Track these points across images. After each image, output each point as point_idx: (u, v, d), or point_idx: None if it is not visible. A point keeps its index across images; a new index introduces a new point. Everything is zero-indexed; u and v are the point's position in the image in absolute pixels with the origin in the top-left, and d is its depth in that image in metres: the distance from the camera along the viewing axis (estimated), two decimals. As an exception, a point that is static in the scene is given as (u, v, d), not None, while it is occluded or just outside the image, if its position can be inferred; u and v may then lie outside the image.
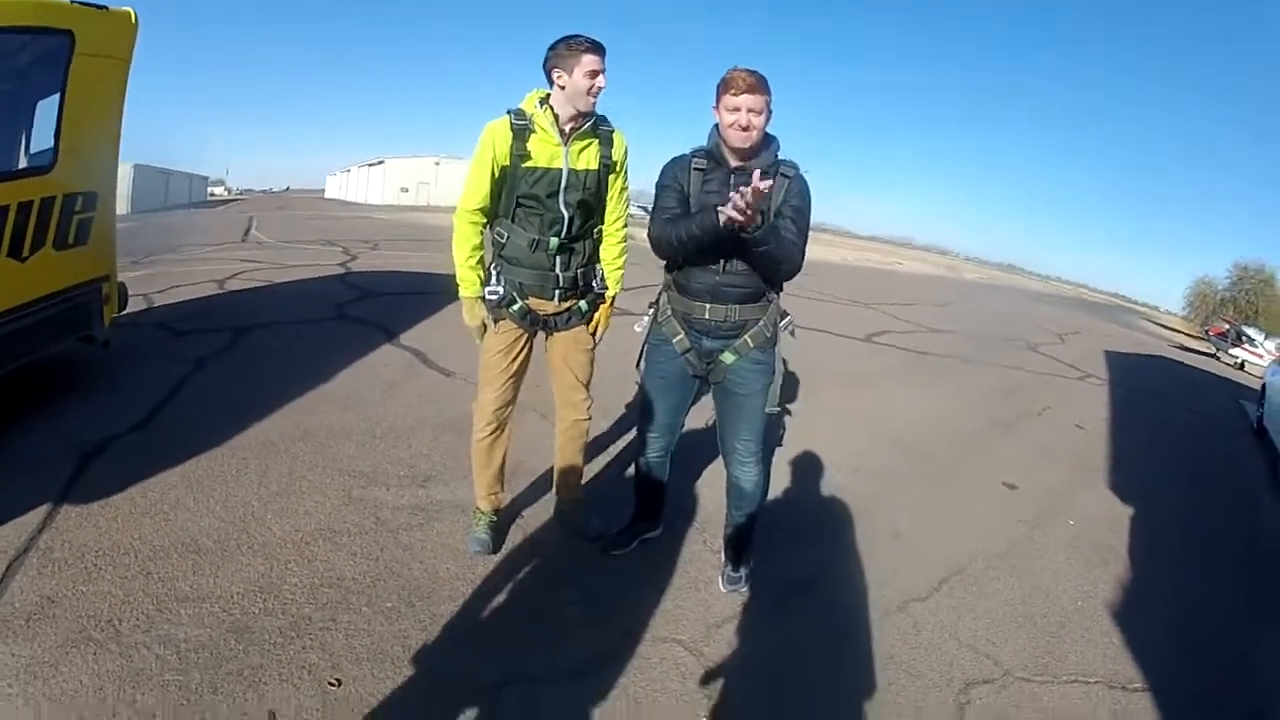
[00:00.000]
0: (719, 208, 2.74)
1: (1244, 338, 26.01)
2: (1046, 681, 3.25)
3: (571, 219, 3.23)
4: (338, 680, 2.65)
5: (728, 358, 3.16)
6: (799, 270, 3.06)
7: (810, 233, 3.11)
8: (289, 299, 9.01)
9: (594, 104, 3.10)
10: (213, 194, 74.73)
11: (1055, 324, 19.59)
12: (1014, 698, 3.11)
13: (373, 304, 8.98)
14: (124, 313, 5.76)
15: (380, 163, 68.98)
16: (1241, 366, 23.67)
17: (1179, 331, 40.44)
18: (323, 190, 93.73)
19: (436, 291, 8.50)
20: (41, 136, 4.53)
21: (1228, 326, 28.18)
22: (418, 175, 63.91)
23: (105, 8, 4.57)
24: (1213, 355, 25.50)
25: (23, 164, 4.55)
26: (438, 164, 62.59)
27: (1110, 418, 8.55)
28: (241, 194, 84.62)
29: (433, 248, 15.13)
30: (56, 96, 4.37)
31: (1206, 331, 31.63)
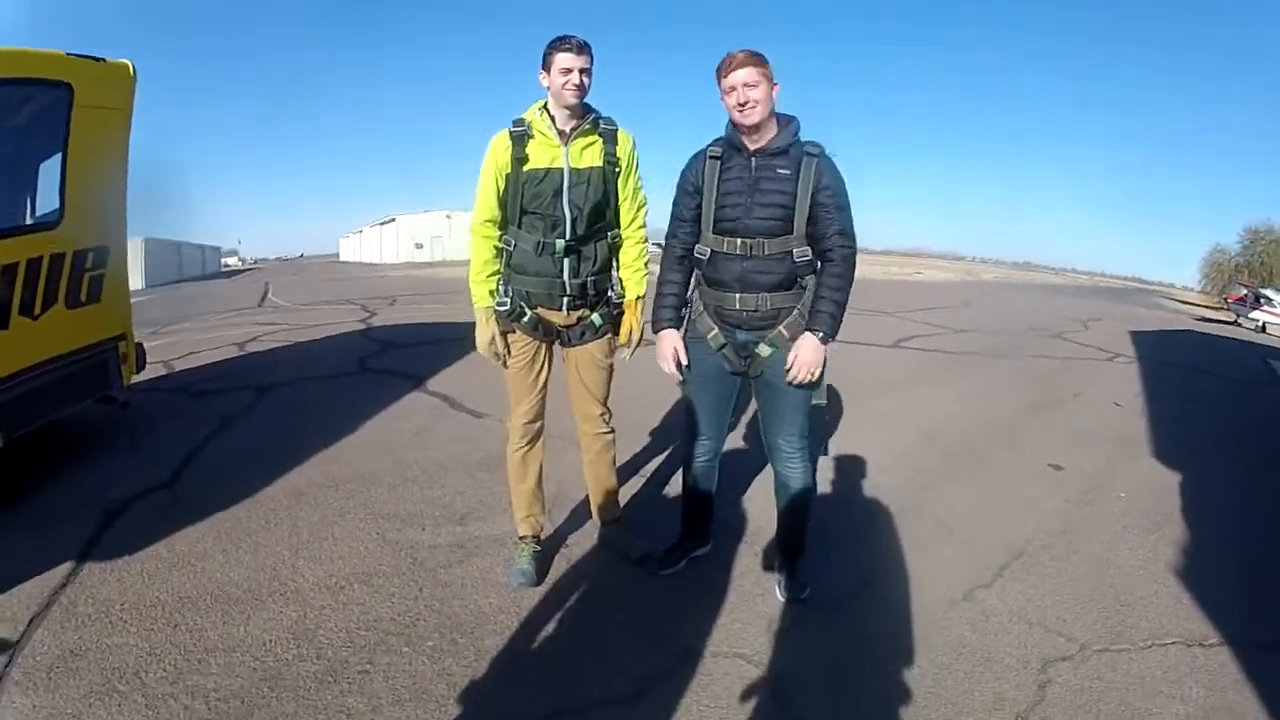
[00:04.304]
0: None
1: (1263, 300, 25.75)
2: (1124, 650, 3.12)
3: (575, 220, 3.13)
4: (379, 724, 2.48)
5: (764, 350, 3.05)
6: (856, 252, 3.00)
7: None
8: (311, 356, 8.96)
9: (574, 101, 3.03)
10: (226, 264, 75.65)
11: (1077, 312, 19.20)
12: (1094, 670, 2.96)
13: (396, 355, 8.90)
14: (143, 378, 5.71)
15: (391, 221, 69.63)
16: (1263, 329, 23.40)
17: (1198, 305, 40.02)
18: (337, 254, 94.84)
19: (461, 338, 8.31)
20: (46, 191, 4.49)
21: (1245, 291, 27.90)
22: (430, 230, 64.39)
23: (103, 60, 4.54)
24: (1234, 322, 25.20)
25: (28, 220, 4.51)
26: (449, 217, 62.99)
27: (1145, 392, 8.41)
28: (256, 263, 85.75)
29: (452, 299, 15.12)
30: (59, 150, 4.33)
31: (1225, 299, 31.31)
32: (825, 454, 5.23)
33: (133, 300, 5.34)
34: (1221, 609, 3.42)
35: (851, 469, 5.03)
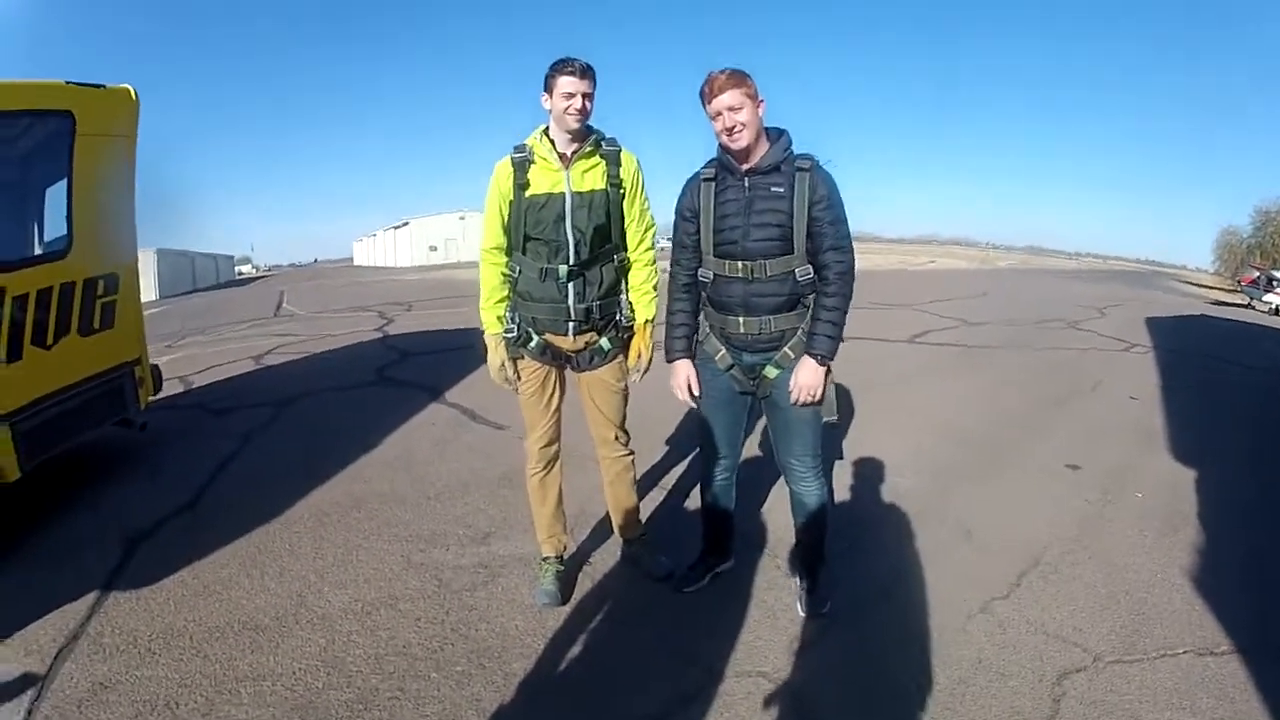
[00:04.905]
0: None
1: (1275, 282, 25.54)
2: (1137, 660, 3.08)
3: (579, 244, 3.12)
4: (411, 753, 2.49)
5: (770, 372, 3.04)
6: (853, 266, 2.95)
7: None
8: (329, 367, 9.00)
9: (575, 126, 3.03)
10: (241, 272, 75.85)
11: (1092, 299, 19.03)
12: (1108, 682, 2.94)
13: (414, 364, 8.93)
14: (161, 396, 5.73)
15: (405, 224, 69.82)
16: (1277, 312, 23.21)
17: (1211, 288, 39.66)
18: (351, 258, 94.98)
19: (477, 346, 8.36)
20: (54, 221, 4.53)
21: (1258, 274, 27.73)
22: (444, 232, 64.59)
23: (103, 86, 4.56)
24: (1247, 305, 25.02)
25: (37, 250, 4.55)
26: (463, 219, 63.19)
27: (1162, 384, 8.30)
28: (270, 270, 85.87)
29: (467, 303, 15.17)
30: (64, 180, 4.35)
31: (1238, 282, 31.13)
32: (842, 457, 5.22)
33: (147, 312, 5.37)
34: (1234, 615, 3.39)
35: (869, 473, 5.01)
